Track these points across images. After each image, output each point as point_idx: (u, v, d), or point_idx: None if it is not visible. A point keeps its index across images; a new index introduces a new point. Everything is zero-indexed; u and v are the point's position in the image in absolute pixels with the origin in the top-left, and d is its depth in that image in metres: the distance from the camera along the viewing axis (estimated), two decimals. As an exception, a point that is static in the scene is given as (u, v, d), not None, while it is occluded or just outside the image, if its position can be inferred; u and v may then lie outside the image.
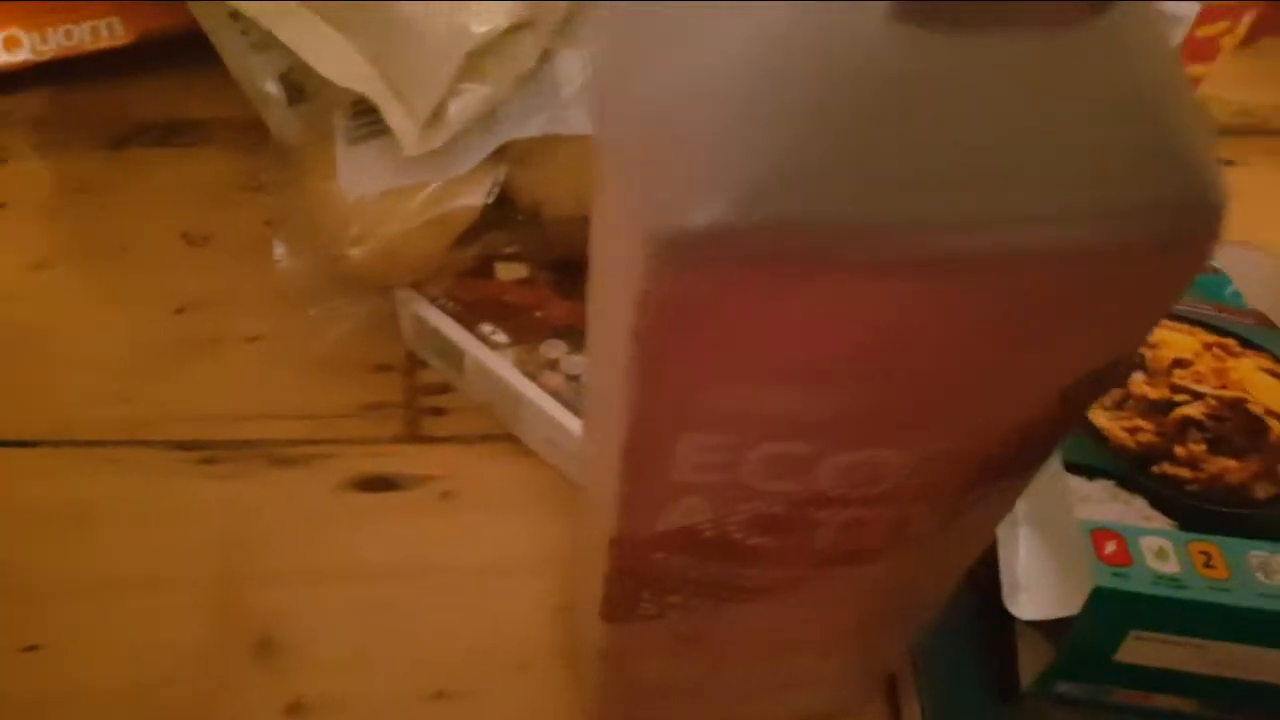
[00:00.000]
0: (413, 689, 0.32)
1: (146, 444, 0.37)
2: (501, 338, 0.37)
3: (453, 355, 0.38)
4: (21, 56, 0.44)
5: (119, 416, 0.37)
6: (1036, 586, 0.31)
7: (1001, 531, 0.32)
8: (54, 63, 0.45)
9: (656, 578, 0.23)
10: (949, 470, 0.19)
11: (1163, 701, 0.31)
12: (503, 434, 0.38)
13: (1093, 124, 0.15)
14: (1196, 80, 0.50)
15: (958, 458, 0.19)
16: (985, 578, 0.32)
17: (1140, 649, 0.29)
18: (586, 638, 0.27)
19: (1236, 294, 0.39)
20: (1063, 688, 0.31)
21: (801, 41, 0.14)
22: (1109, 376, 0.18)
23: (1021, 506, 0.32)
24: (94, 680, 0.31)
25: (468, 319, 0.37)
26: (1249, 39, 0.52)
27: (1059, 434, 0.20)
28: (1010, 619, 0.31)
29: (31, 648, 0.32)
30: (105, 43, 0.45)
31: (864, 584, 0.23)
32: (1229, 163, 0.51)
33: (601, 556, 0.23)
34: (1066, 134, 0.15)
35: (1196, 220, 0.16)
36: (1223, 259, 0.41)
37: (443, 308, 0.38)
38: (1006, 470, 0.20)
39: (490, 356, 0.37)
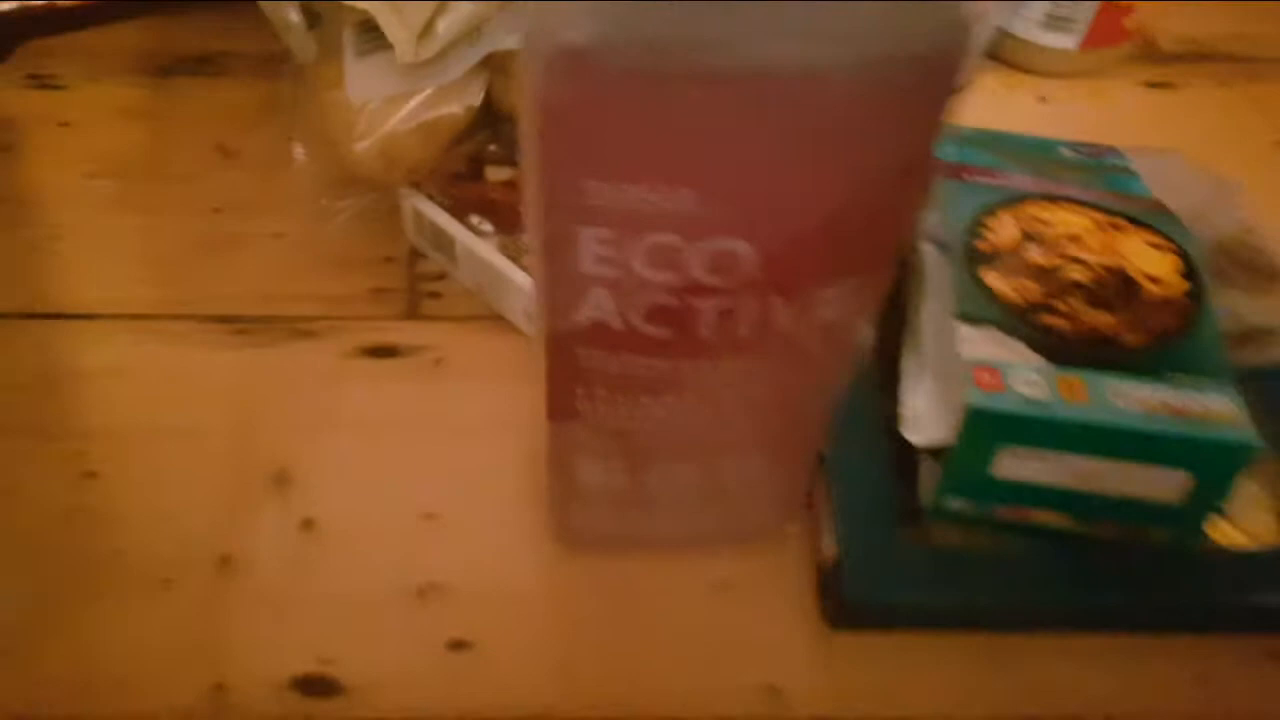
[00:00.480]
0: (406, 512, 0.38)
1: (185, 318, 0.43)
2: (488, 228, 0.43)
3: (446, 244, 0.43)
4: (77, -5, 0.50)
5: (162, 296, 0.44)
6: (929, 417, 0.36)
7: (908, 376, 0.37)
8: (106, 2, 0.51)
9: (583, 373, 0.28)
10: (793, 262, 0.25)
11: (1039, 517, 0.36)
12: (490, 314, 0.44)
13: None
14: (1128, 9, 0.53)
15: (797, 249, 0.24)
16: (892, 415, 0.37)
17: (1012, 464, 0.34)
18: (542, 450, 0.33)
19: (1145, 191, 0.44)
20: (954, 505, 0.36)
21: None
22: (912, 180, 0.24)
23: (928, 353, 0.37)
24: (138, 501, 0.37)
25: (459, 212, 0.43)
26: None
27: (884, 235, 0.25)
28: (912, 450, 0.37)
29: (90, 474, 0.38)
30: (149, -16, 0.52)
31: (754, 378, 0.29)
32: (1166, 85, 0.56)
33: (543, 359, 0.29)
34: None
35: (943, 39, 0.21)
36: (1141, 164, 0.46)
37: (438, 203, 0.43)
38: (846, 268, 0.26)
39: (478, 244, 0.42)
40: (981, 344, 0.35)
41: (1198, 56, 0.57)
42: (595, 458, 0.32)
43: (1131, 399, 0.33)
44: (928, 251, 0.41)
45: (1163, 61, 0.57)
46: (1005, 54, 0.53)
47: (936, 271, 0.40)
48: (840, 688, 0.35)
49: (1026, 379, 0.34)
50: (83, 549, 0.36)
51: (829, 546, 0.36)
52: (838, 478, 0.37)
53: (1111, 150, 0.45)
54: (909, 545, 0.36)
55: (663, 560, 0.37)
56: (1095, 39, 0.51)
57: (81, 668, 0.34)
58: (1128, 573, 0.36)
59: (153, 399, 0.40)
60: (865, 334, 0.29)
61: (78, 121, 0.50)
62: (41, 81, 0.52)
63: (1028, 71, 0.53)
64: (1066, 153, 0.44)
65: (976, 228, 0.38)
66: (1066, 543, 0.36)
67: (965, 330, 0.35)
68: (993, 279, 0.37)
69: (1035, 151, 0.44)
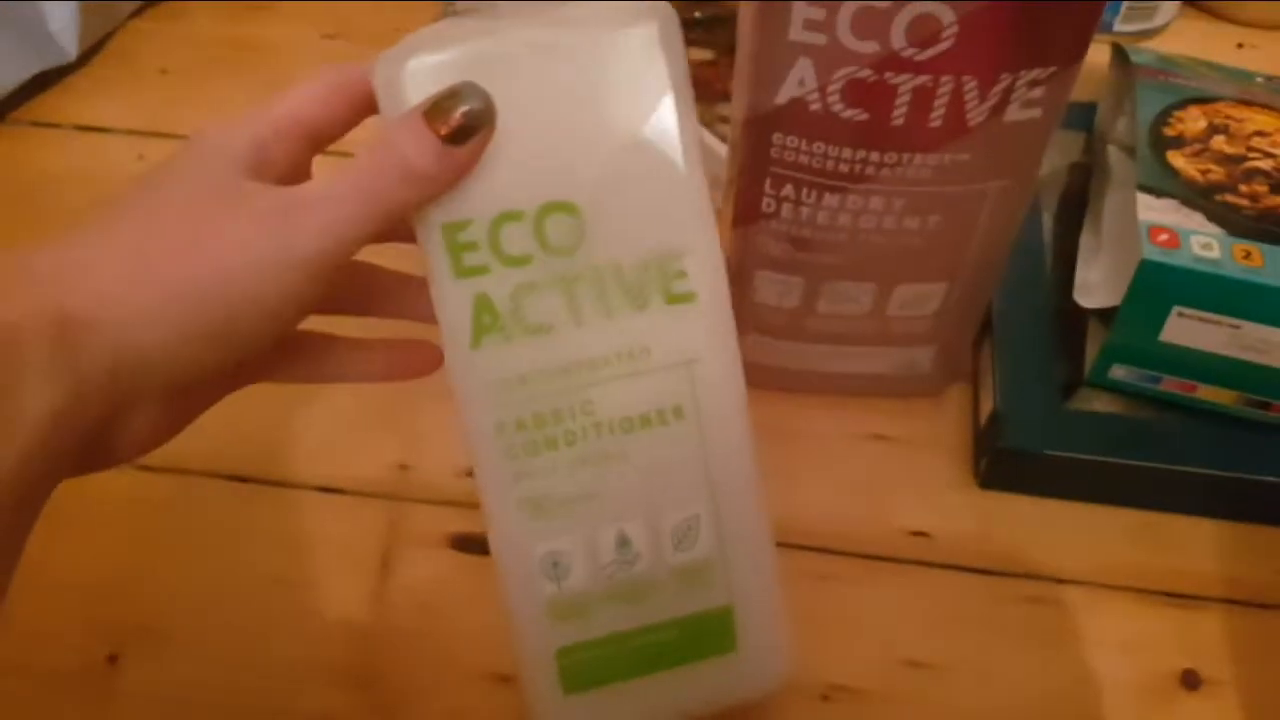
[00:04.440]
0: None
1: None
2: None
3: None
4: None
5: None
6: (1101, 284, 0.37)
7: (1084, 252, 0.38)
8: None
9: (775, 164, 0.31)
10: (990, 36, 0.26)
11: (1206, 393, 0.36)
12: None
13: None
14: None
15: (995, 21, 0.26)
16: (1064, 289, 0.38)
17: (1182, 329, 0.34)
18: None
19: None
20: (1118, 373, 0.36)
21: None
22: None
23: (1107, 232, 0.38)
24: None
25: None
26: None
27: (1077, 22, 0.27)
28: (1082, 317, 0.37)
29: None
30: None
31: (940, 179, 0.30)
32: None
33: (736, 157, 0.31)
34: None
35: None
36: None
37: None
38: (1038, 54, 0.27)
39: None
40: (1160, 211, 0.35)
41: None
42: (774, 270, 0.34)
43: (1310, 272, 0.33)
44: (1114, 154, 0.42)
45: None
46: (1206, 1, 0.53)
47: (1121, 170, 0.41)
48: (986, 539, 0.36)
49: (1202, 242, 0.34)
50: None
51: (988, 402, 0.37)
52: (1002, 342, 0.38)
53: (1310, 82, 0.45)
54: (1069, 409, 0.37)
55: (825, 406, 0.39)
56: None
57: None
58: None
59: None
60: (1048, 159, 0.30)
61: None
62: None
63: (1227, 20, 0.53)
64: (1263, 80, 0.44)
65: (1166, 117, 0.39)
66: (1232, 423, 0.36)
67: (1146, 199, 0.36)
68: (1177, 160, 0.37)
69: (1232, 75, 0.44)
